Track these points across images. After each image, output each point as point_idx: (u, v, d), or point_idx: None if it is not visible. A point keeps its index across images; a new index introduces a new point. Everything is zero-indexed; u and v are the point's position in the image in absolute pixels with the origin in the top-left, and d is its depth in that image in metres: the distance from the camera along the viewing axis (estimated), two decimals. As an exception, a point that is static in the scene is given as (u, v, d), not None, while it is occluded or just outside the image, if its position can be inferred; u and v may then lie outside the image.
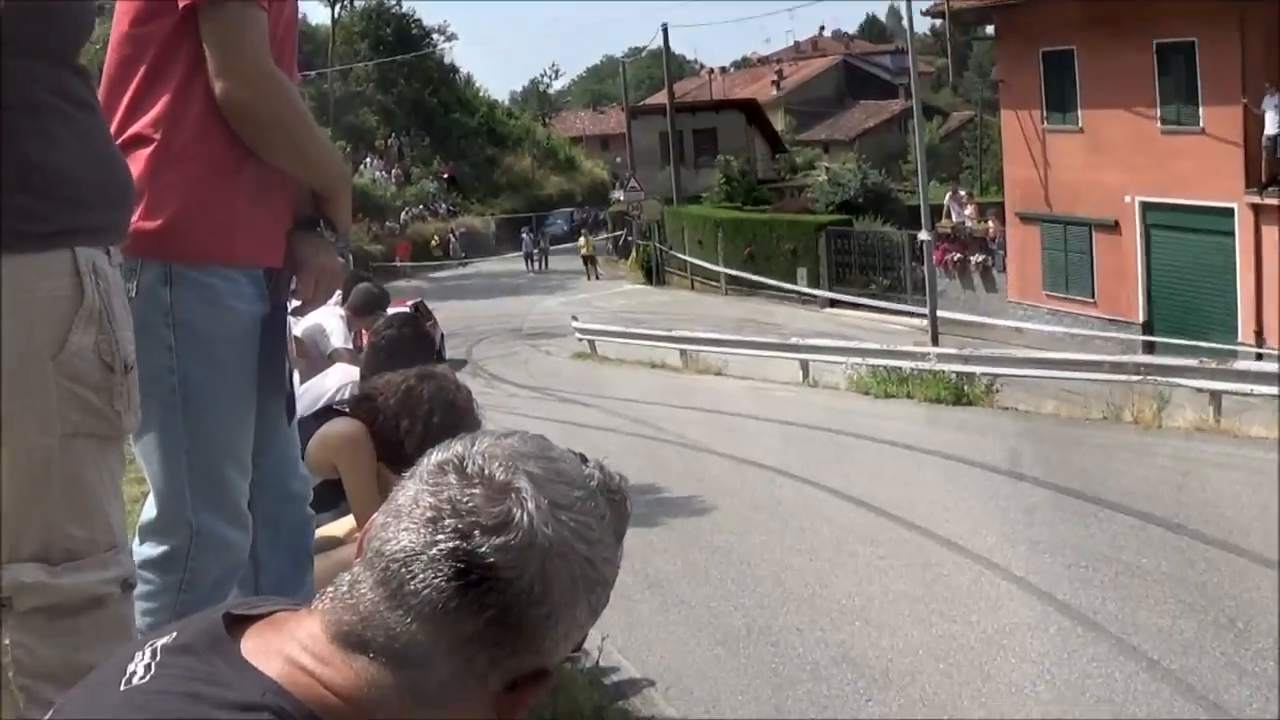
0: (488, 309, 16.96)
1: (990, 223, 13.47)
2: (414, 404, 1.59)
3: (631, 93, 27.46)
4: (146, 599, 1.15)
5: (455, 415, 1.56)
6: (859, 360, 9.17)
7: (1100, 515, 4.95)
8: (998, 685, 3.30)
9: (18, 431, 0.84)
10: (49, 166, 0.83)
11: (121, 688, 0.52)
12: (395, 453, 1.57)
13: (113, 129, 1.10)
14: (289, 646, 0.53)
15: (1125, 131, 11.10)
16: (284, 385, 1.28)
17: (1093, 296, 11.95)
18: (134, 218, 1.07)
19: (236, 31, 1.11)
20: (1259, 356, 9.00)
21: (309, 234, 1.26)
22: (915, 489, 5.63)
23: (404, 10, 28.57)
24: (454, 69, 31.13)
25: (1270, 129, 9.90)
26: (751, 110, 25.15)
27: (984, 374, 8.46)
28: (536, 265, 23.60)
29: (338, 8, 26.67)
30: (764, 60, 41.30)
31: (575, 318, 12.93)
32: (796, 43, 41.58)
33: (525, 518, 0.52)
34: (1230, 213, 10.31)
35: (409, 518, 0.53)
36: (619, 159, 28.55)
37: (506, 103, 37.91)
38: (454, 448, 0.55)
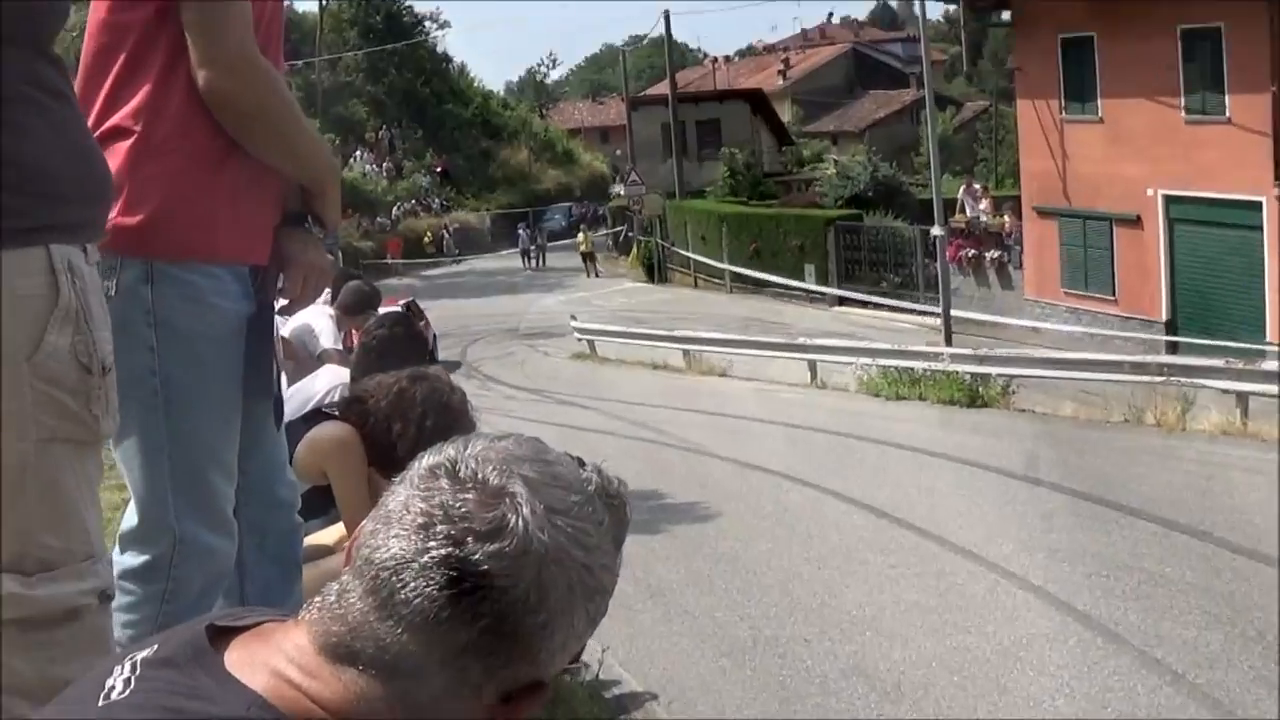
0: (483, 308, 16.98)
1: (1006, 217, 13.46)
2: (406, 406, 1.59)
3: (632, 83, 27.48)
4: (127, 610, 1.15)
5: (449, 418, 1.56)
6: (869, 361, 9.17)
7: (1122, 522, 4.94)
8: (1015, 699, 3.30)
9: (-9, 436, 0.84)
10: (22, 159, 0.83)
11: (99, 703, 0.52)
12: (387, 457, 1.57)
13: (90, 121, 1.10)
14: (275, 659, 0.53)
15: (1147, 121, 11.09)
16: (271, 387, 1.28)
17: (1113, 294, 11.93)
18: (113, 213, 1.07)
19: (220, 18, 1.11)
20: (1287, 356, 8.97)
21: (296, 230, 1.26)
22: (928, 494, 5.63)
23: (395, -3, 28.60)
24: (447, 58, 31.18)
25: (1300, 118, 9.88)
26: (757, 101, 25.17)
27: (1000, 375, 8.46)
28: (533, 262, 23.62)
29: (326, -6, 26.71)
30: (770, 48, 41.33)
31: (574, 317, 12.95)
32: (804, 30, 41.67)
33: (520, 523, 0.52)
34: (1258, 206, 10.29)
35: (399, 524, 0.53)
36: (619, 151, 28.59)
37: (502, 93, 38.02)
38: (446, 451, 0.55)
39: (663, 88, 24.36)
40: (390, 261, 22.89)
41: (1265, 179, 10.15)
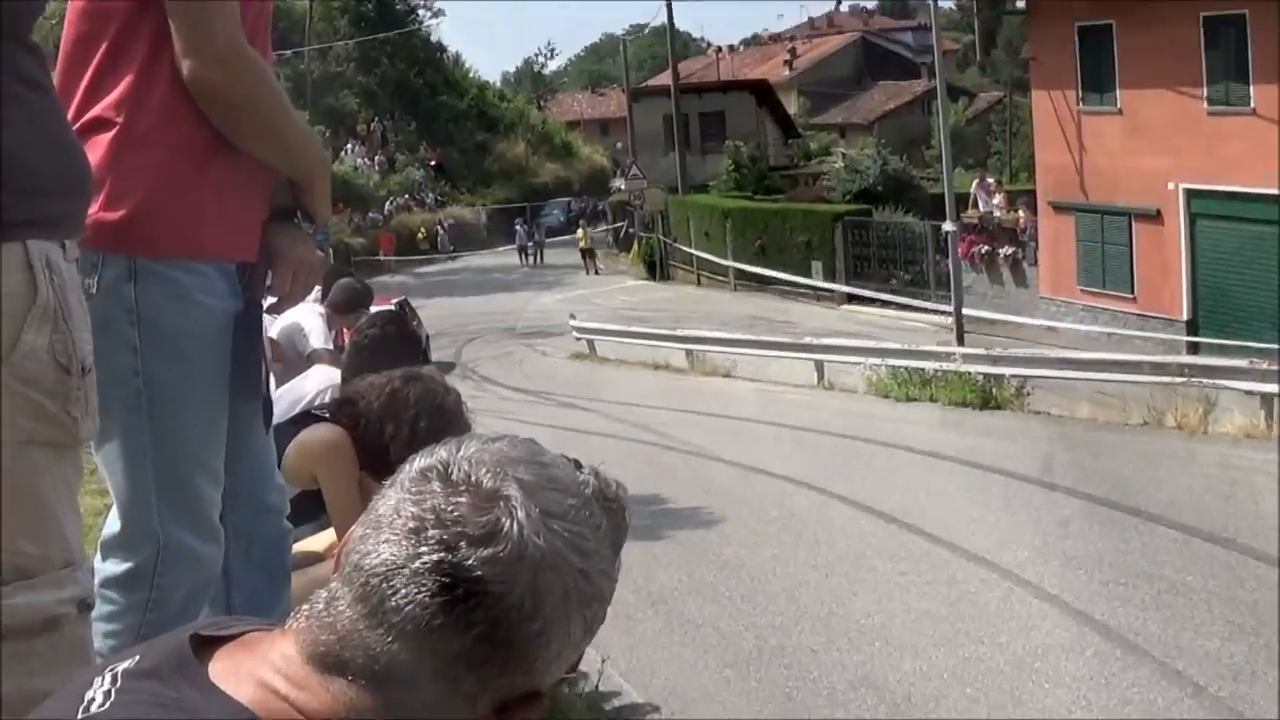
0: (479, 306, 16.99)
1: (1020, 212, 13.44)
2: (399, 408, 1.59)
3: (633, 73, 27.51)
4: (109, 620, 1.15)
5: (443, 419, 1.56)
6: (878, 361, 9.17)
7: (1141, 528, 4.94)
8: (1029, 712, 3.29)
9: (-35, 440, 0.84)
10: (-2, 152, 0.83)
11: (78, 716, 0.52)
12: (379, 460, 1.56)
13: (70, 112, 1.10)
14: (261, 669, 0.53)
15: (1168, 112, 11.06)
16: (259, 388, 1.27)
17: (1132, 292, 11.91)
18: (94, 208, 1.07)
19: (206, 5, 1.11)
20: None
21: (285, 225, 1.25)
22: (939, 499, 5.62)
23: (387, -16, 28.62)
24: (441, 48, 31.23)
25: (1327, 109, 9.86)
26: (762, 92, 25.17)
27: (1013, 376, 8.45)
28: (531, 259, 23.64)
29: (316, -18, 26.73)
30: (776, 38, 41.35)
31: (573, 316, 12.95)
32: (811, 19, 41.66)
33: (515, 527, 0.52)
34: (1282, 201, 10.27)
35: (390, 529, 0.52)
36: (619, 144, 28.60)
37: (498, 84, 38.03)
38: (438, 453, 0.55)
39: (665, 78, 24.35)
40: (383, 258, 22.90)
41: (1290, 172, 10.13)
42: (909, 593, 4.32)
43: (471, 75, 32.45)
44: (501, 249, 24.41)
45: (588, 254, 21.54)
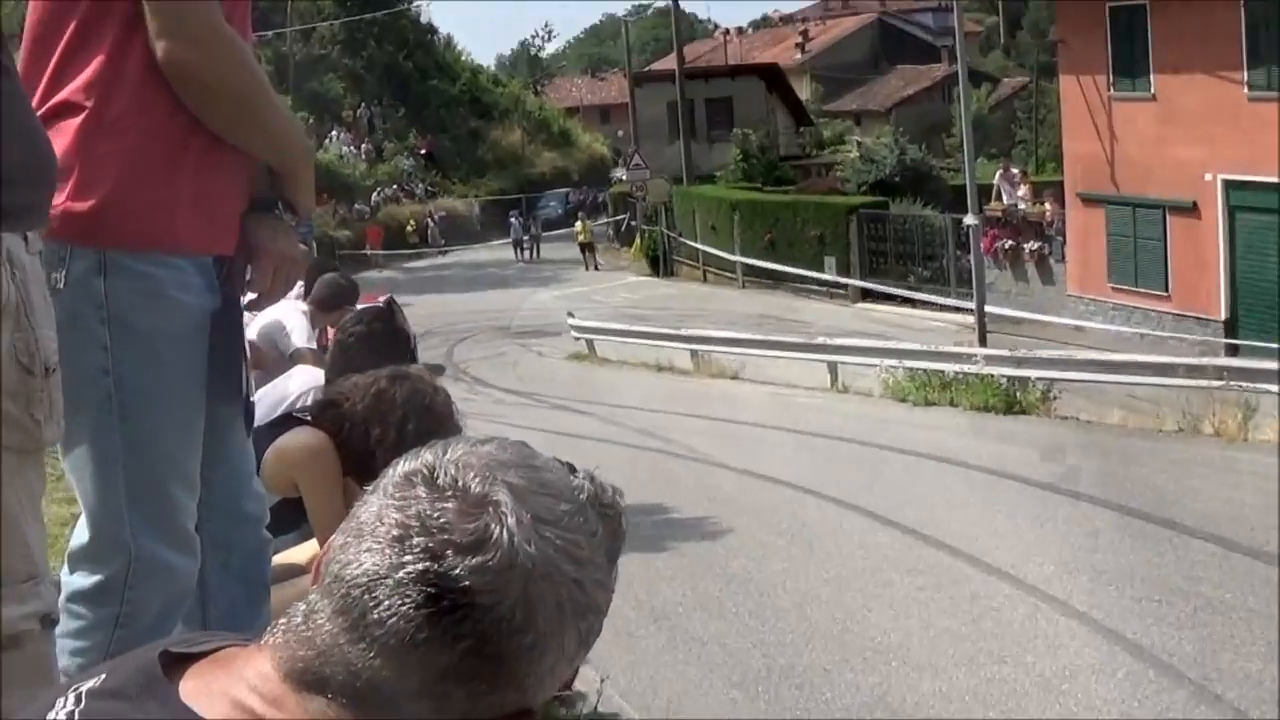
0: (471, 304, 17.01)
1: (1047, 205, 13.42)
2: (385, 409, 1.58)
3: (635, 57, 27.55)
4: (76, 636, 1.14)
5: (432, 421, 1.56)
6: (895, 362, 9.17)
7: (1175, 541, 4.93)
8: (1056, 736, 3.28)
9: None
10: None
11: None
12: (364, 465, 1.56)
13: (35, 97, 1.10)
14: (235, 688, 0.53)
15: (1205, 98, 11.04)
16: (238, 390, 1.27)
17: (1166, 290, 11.89)
18: (61, 198, 1.07)
19: (181, -17, 1.11)
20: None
21: (266, 217, 1.25)
22: (960, 509, 5.62)
23: (375, -38, 28.66)
24: (432, 29, 31.28)
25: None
26: (772, 77, 25.21)
27: (1039, 379, 8.44)
28: (527, 254, 23.66)
29: (300, -41, 26.79)
30: (787, 19, 41.37)
31: (571, 314, 12.96)
32: (824, -1, 41.64)
33: (505, 535, 0.52)
34: (1326, 193, 10.24)
35: (372, 537, 0.52)
36: (621, 132, 28.63)
37: (492, 68, 38.12)
38: (424, 456, 0.55)
39: (669, 62, 24.39)
40: (369, 252, 22.96)
41: (1335, 162, 10.10)
42: (928, 609, 4.31)
43: (464, 58, 32.53)
44: (495, 243, 24.44)
45: (587, 248, 21.56)
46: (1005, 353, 9.08)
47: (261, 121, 1.20)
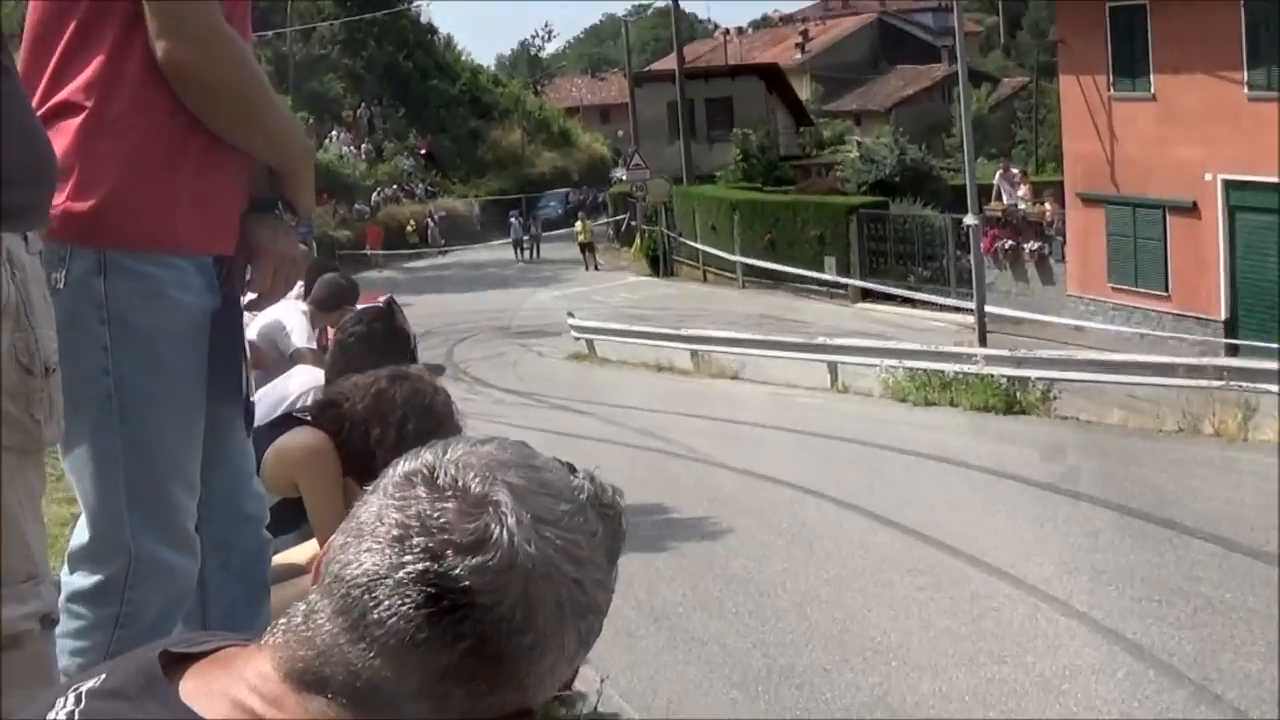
0: (471, 304, 17.02)
1: (1047, 205, 13.43)
2: (385, 409, 1.58)
3: (635, 57, 27.55)
4: (76, 636, 1.14)
5: (432, 421, 1.56)
6: (895, 362, 9.16)
7: (1175, 541, 4.93)
8: (1056, 737, 3.28)
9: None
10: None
11: None
12: (364, 465, 1.56)
13: (35, 97, 1.10)
14: (235, 688, 0.53)
15: (1206, 98, 11.04)
16: (239, 390, 1.27)
17: (1166, 290, 11.89)
18: (61, 197, 1.07)
19: (181, -17, 1.11)
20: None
21: (266, 217, 1.25)
22: (960, 509, 5.62)
23: (375, -38, 28.67)
24: (432, 29, 31.29)
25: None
26: (772, 77, 25.21)
27: (1039, 379, 8.44)
28: (527, 254, 23.67)
29: (300, -41, 26.80)
30: (787, 19, 41.37)
31: (571, 314, 12.96)
32: (824, -1, 41.63)
33: (505, 535, 0.52)
34: (1326, 193, 10.24)
35: (372, 537, 0.52)
36: (621, 132, 28.63)
37: (492, 68, 38.13)
38: (423, 456, 0.55)
39: (669, 62, 24.39)
40: (369, 252, 22.96)
41: (1335, 162, 10.10)
42: (927, 609, 4.31)
43: (464, 58, 32.54)
44: (495, 243, 24.44)
45: (587, 248, 21.56)
46: (1005, 353, 9.08)
47: (261, 121, 1.20)
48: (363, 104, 27.52)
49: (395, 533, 0.52)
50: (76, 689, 0.54)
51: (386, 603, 0.50)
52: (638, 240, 20.90)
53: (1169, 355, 9.10)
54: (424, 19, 30.71)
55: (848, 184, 18.20)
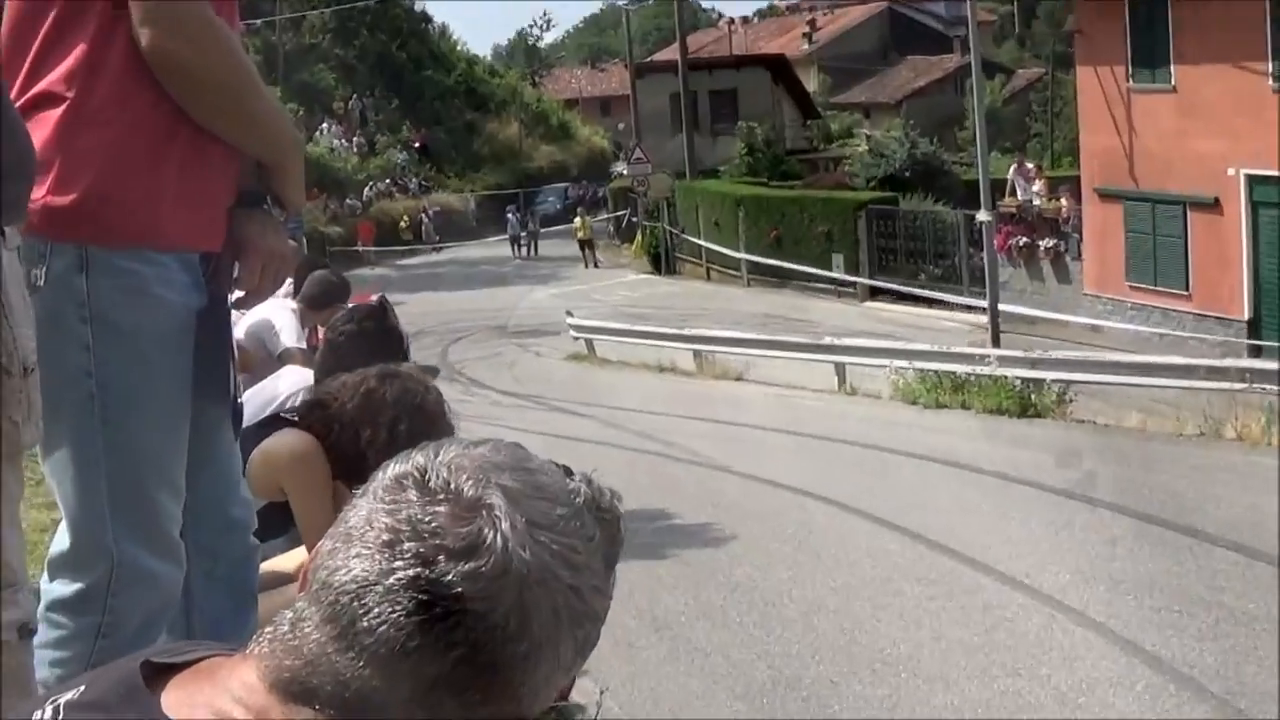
0: (466, 302, 17.03)
1: (1063, 201, 13.42)
2: (376, 409, 1.58)
3: (637, 47, 27.58)
4: (56, 647, 1.15)
5: (424, 421, 1.56)
6: (905, 364, 9.16)
7: (1196, 549, 4.92)
8: (1072, 752, 3.28)
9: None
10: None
11: None
12: (354, 467, 1.56)
13: (14, 87, 1.10)
14: (219, 699, 0.53)
15: (1228, 90, 11.03)
16: (226, 391, 1.28)
17: (1187, 289, 11.88)
18: (41, 191, 1.07)
19: (166, -31, 1.11)
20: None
21: (254, 212, 1.26)
22: (972, 516, 5.61)
23: (367, -51, 28.72)
24: (426, 18, 31.34)
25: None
26: (779, 68, 25.23)
27: (1055, 380, 8.43)
28: (524, 251, 23.71)
29: (290, -54, 26.84)
30: (793, 8, 41.35)
31: (570, 313, 12.97)
32: (832, -14, 41.64)
33: (499, 539, 0.52)
34: (1353, 188, 10.24)
35: (361, 542, 0.52)
36: (622, 125, 28.68)
37: (489, 58, 38.22)
38: (415, 459, 0.55)
39: (672, 53, 24.41)
40: (361, 249, 23.00)
41: (1362, 157, 10.10)
42: (939, 619, 4.31)
43: (460, 48, 32.62)
44: (492, 239, 24.46)
45: (586, 245, 21.58)
46: (1019, 354, 9.08)
47: (249, 113, 1.20)
48: (354, 95, 27.56)
49: (385, 537, 0.52)
50: (55, 701, 0.54)
51: (376, 610, 0.50)
52: (639, 237, 20.93)
53: (1189, 356, 9.09)
54: (418, 7, 30.83)
55: (856, 179, 18.21)
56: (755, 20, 40.64)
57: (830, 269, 15.32)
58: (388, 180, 26.04)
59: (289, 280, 2.81)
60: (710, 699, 3.75)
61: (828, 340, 10.05)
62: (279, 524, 1.68)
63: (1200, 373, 8.02)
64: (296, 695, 0.52)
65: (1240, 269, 11.30)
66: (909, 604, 4.48)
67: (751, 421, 8.27)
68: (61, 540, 1.20)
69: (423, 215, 25.13)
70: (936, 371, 8.95)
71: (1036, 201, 13.68)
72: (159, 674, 0.55)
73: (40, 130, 1.09)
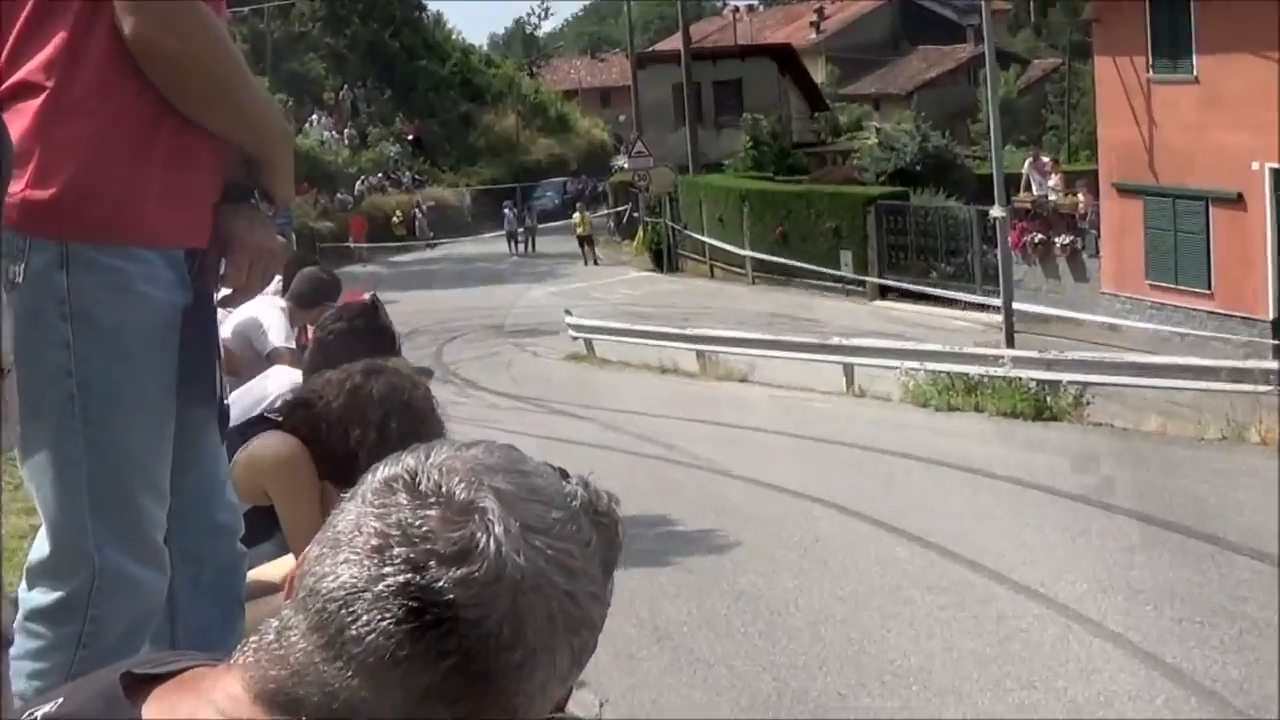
0: (462, 301, 17.05)
1: (1080, 196, 13.42)
2: (364, 406, 1.57)
3: (638, 36, 27.62)
4: (35, 657, 1.14)
5: (413, 418, 1.55)
6: (916, 365, 9.17)
7: (1218, 558, 4.92)
8: (1089, 767, 3.28)
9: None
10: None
11: None
12: (344, 468, 1.55)
13: (-8, 77, 1.10)
14: (203, 711, 0.53)
15: (1252, 81, 11.01)
16: (212, 392, 1.28)
17: (1209, 287, 11.88)
18: (19, 185, 1.07)
19: (149, -45, 1.11)
20: None
21: (241, 207, 1.26)
22: (985, 523, 5.61)
23: (359, -66, 28.76)
24: (420, 6, 31.36)
25: None
26: (785, 58, 25.26)
27: (1071, 382, 8.43)
28: (521, 247, 23.74)
29: (278, -69, 26.88)
30: (801, -4, 41.36)
31: (569, 311, 12.98)
32: (841, -26, 41.66)
33: (491, 544, 0.51)
34: (1382, 183, 10.23)
35: (349, 547, 0.52)
36: (622, 117, 28.69)
37: (485, 48, 38.24)
38: (405, 461, 0.55)
39: (674, 42, 24.44)
40: (353, 245, 23.02)
41: (1391, 150, 10.09)
42: (951, 629, 4.31)
43: (455, 37, 32.66)
44: (487, 235, 24.50)
45: (585, 242, 21.60)
46: (1034, 354, 9.08)
47: (236, 103, 1.20)
48: (345, 86, 27.58)
49: (374, 543, 0.52)
50: (32, 714, 0.55)
51: (365, 618, 0.50)
52: (640, 233, 20.94)
53: (1211, 358, 9.09)
54: (411, -5, 30.79)
55: (865, 173, 18.24)
56: (761, 8, 40.67)
57: (838, 267, 15.33)
58: (380, 174, 26.06)
59: (277, 277, 2.80)
60: (713, 712, 3.75)
61: (835, 340, 10.06)
62: (265, 529, 1.68)
63: (1223, 374, 8.01)
64: (283, 706, 0.52)
65: (1265, 267, 11.29)
66: (920, 613, 4.48)
67: (756, 424, 8.27)
68: (40, 547, 1.19)
69: (416, 210, 25.15)
70: (948, 373, 8.95)
71: (1052, 196, 13.67)
72: (140, 685, 0.55)
73: (18, 121, 1.09)
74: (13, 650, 1.02)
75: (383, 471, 0.55)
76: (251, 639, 0.54)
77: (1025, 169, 14.19)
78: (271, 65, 24.24)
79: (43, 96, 1.12)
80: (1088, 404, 8.25)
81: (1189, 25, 11.74)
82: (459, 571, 0.51)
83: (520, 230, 23.85)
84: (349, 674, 0.50)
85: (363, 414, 1.55)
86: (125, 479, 1.18)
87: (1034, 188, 13.88)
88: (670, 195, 19.66)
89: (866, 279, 15.06)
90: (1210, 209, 11.78)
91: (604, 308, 15.11)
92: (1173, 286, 12.19)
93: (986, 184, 13.07)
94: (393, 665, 0.50)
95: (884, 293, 14.87)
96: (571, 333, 12.48)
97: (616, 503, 0.58)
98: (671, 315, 13.83)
